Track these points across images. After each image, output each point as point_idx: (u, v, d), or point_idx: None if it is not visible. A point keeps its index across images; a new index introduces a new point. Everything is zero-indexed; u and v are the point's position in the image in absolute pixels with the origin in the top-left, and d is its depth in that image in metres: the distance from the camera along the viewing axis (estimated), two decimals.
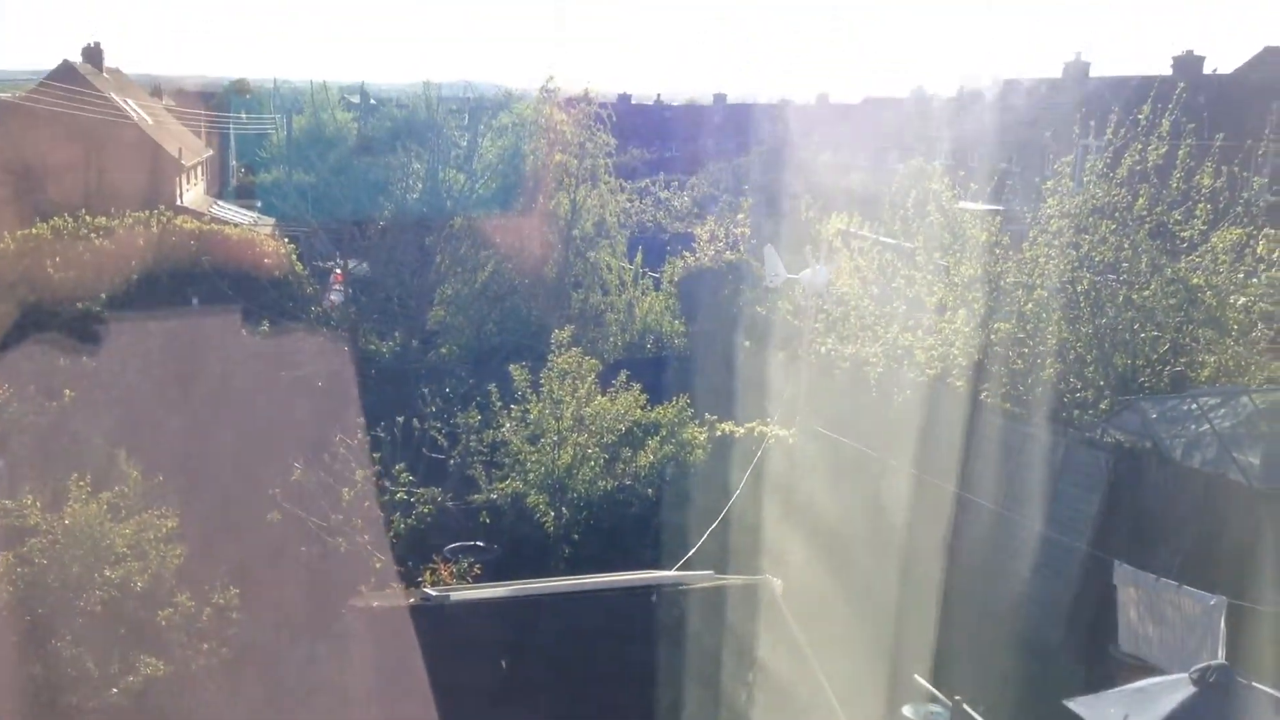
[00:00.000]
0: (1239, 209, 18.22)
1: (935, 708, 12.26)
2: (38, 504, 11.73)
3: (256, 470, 14.63)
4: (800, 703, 11.65)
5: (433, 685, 10.53)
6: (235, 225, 27.59)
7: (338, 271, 28.65)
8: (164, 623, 11.24)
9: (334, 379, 18.72)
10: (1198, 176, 18.24)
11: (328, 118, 27.42)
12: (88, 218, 21.88)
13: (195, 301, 20.70)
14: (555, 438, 16.64)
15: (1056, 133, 28.90)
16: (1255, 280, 17.88)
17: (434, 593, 12.21)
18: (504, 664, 11.30)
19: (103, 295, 20.06)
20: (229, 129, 55.30)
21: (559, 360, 17.31)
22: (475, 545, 16.45)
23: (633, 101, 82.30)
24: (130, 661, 10.89)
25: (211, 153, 51.74)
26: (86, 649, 10.79)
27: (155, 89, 55.19)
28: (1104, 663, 14.02)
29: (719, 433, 18.70)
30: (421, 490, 16.14)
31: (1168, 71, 37.07)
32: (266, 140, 32.53)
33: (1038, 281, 18.31)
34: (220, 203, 45.97)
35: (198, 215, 28.87)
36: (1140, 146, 18.45)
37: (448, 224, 25.33)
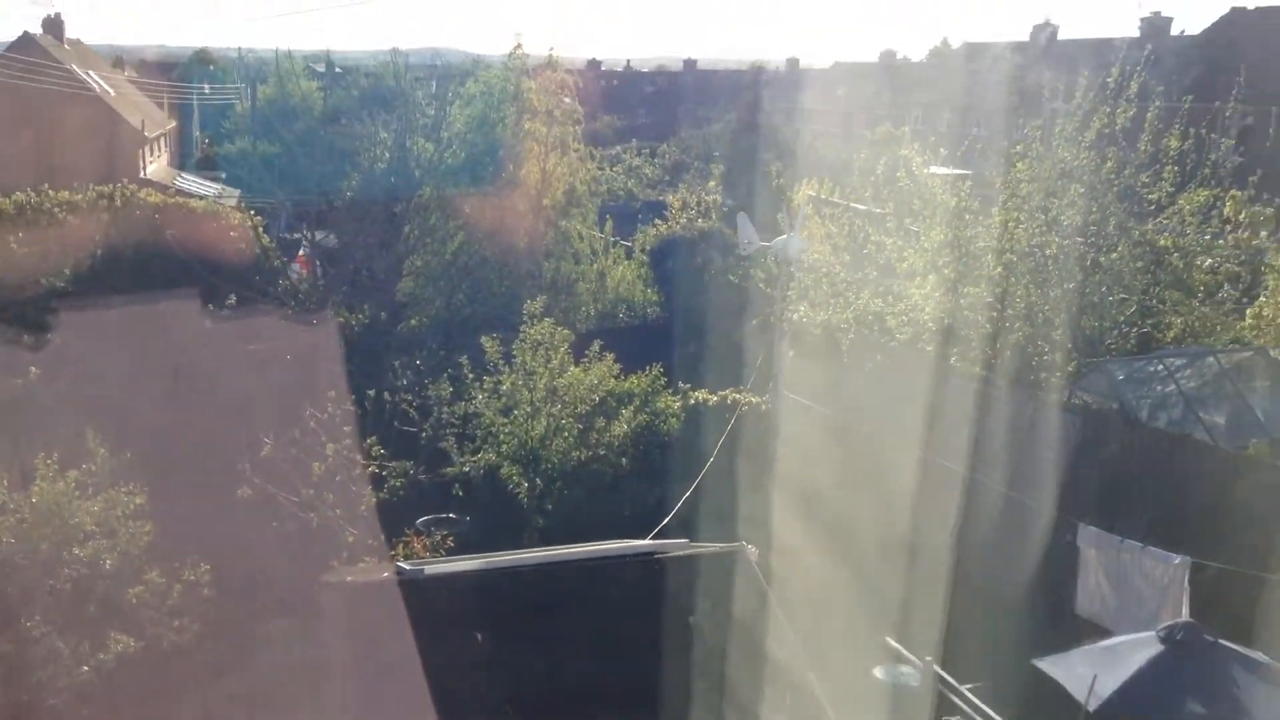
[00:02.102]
0: (1206, 171, 18.28)
1: (906, 669, 12.38)
2: (4, 482, 11.59)
3: (226, 446, 14.50)
4: (775, 667, 11.74)
5: (407, 659, 10.53)
6: (200, 198, 27.27)
7: (304, 249, 28.35)
8: (134, 600, 11.17)
9: (301, 353, 18.56)
10: (1165, 139, 18.26)
11: (293, 87, 27.00)
12: (50, 192, 21.51)
13: (160, 278, 20.40)
14: (528, 409, 16.62)
15: (1025, 97, 28.93)
16: (1221, 241, 18.01)
17: (407, 566, 12.19)
18: (479, 636, 11.31)
19: (66, 271, 19.77)
20: (192, 100, 54.56)
21: (531, 331, 17.24)
22: (448, 518, 16.44)
23: (602, 68, 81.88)
24: (101, 639, 10.83)
25: (174, 124, 51.09)
26: (56, 628, 10.72)
27: (117, 60, 54.54)
28: (1071, 622, 14.18)
29: (692, 401, 18.70)
30: (393, 463, 16.06)
31: (1136, 34, 37.10)
32: (231, 111, 32.07)
33: (1007, 246, 18.34)
34: (184, 175, 45.37)
35: (162, 188, 28.47)
36: (1108, 110, 18.44)
37: (416, 194, 25.05)
